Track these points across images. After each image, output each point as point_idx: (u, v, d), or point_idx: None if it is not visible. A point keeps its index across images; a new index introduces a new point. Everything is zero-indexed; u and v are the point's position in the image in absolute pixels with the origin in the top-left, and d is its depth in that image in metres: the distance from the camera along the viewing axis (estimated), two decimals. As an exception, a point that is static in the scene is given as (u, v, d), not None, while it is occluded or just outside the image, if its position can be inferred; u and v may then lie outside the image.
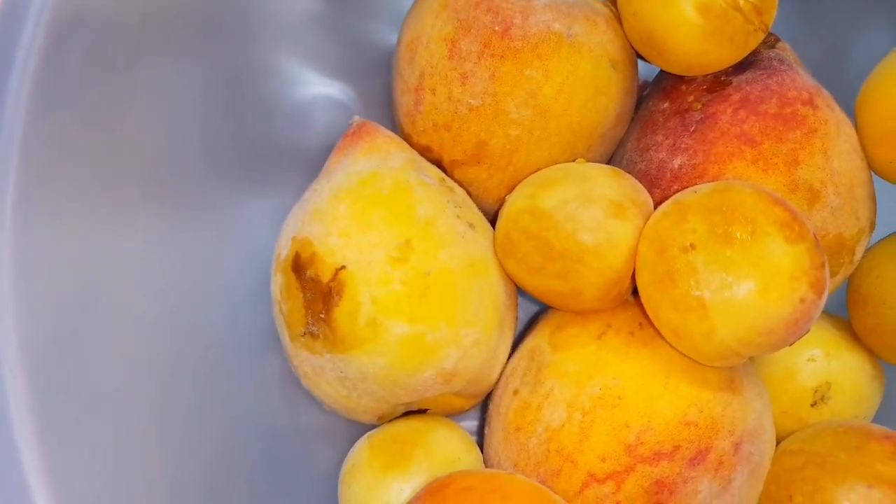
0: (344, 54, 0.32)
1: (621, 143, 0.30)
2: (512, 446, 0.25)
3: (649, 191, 0.26)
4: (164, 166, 0.25)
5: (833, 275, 0.26)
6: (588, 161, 0.27)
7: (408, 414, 0.28)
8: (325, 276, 0.24)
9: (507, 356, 0.28)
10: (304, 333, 0.25)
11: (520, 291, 0.28)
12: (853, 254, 0.27)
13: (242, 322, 0.27)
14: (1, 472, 0.18)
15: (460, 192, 0.28)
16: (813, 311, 0.21)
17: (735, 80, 0.26)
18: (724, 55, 0.25)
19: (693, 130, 0.26)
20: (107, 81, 0.22)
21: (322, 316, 0.24)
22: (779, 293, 0.21)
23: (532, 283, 0.25)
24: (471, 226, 0.26)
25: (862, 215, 0.26)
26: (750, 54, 0.26)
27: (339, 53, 0.32)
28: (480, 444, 0.29)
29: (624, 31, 0.27)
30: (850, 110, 0.27)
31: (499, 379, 0.28)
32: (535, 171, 0.27)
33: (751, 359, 0.26)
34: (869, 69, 0.26)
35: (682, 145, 0.26)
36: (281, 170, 0.30)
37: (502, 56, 0.26)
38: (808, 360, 0.28)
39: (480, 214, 0.28)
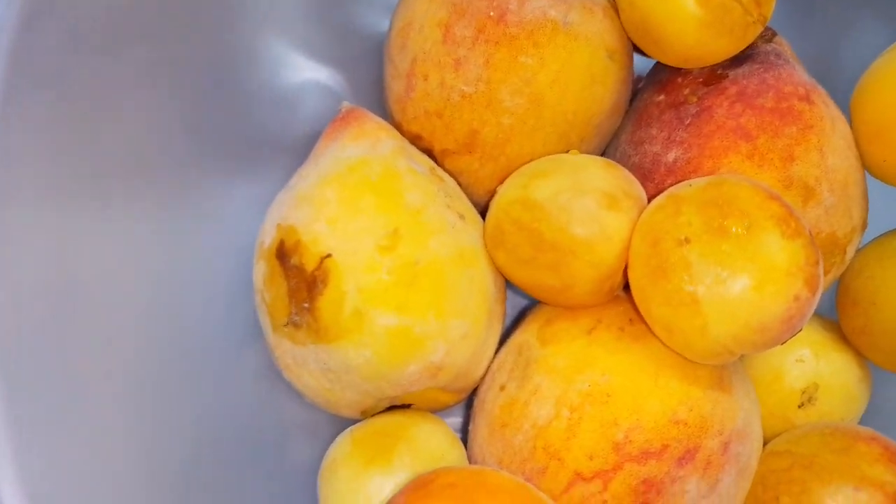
0: (334, 39, 0.32)
1: (615, 136, 0.29)
2: (497, 443, 0.25)
3: (643, 184, 0.25)
4: (145, 152, 0.24)
5: (825, 274, 0.26)
6: (582, 153, 0.27)
7: (392, 409, 0.28)
8: (310, 265, 0.24)
9: (494, 351, 0.27)
10: (287, 323, 0.24)
11: (508, 286, 0.28)
12: (844, 253, 0.26)
13: (224, 312, 0.27)
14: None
15: (451, 182, 0.27)
16: (807, 310, 0.21)
17: (732, 73, 0.26)
18: (722, 47, 0.25)
19: (688, 124, 0.26)
20: (86, 65, 0.21)
21: (306, 305, 0.24)
22: (774, 289, 0.20)
23: (522, 275, 0.25)
24: (461, 216, 0.26)
25: (855, 214, 0.26)
26: (747, 48, 0.26)
27: (328, 38, 0.31)
28: (465, 442, 0.28)
29: (621, 21, 0.27)
30: (846, 109, 0.27)
31: (485, 374, 0.27)
32: (528, 162, 0.26)
33: (740, 358, 0.26)
34: (864, 67, 0.26)
35: (677, 139, 0.26)
36: (267, 157, 0.29)
37: (497, 42, 0.25)
38: (797, 360, 0.28)
39: (471, 205, 0.28)
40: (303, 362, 0.25)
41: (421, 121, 0.27)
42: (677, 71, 0.27)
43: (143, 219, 0.24)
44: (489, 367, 0.27)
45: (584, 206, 0.23)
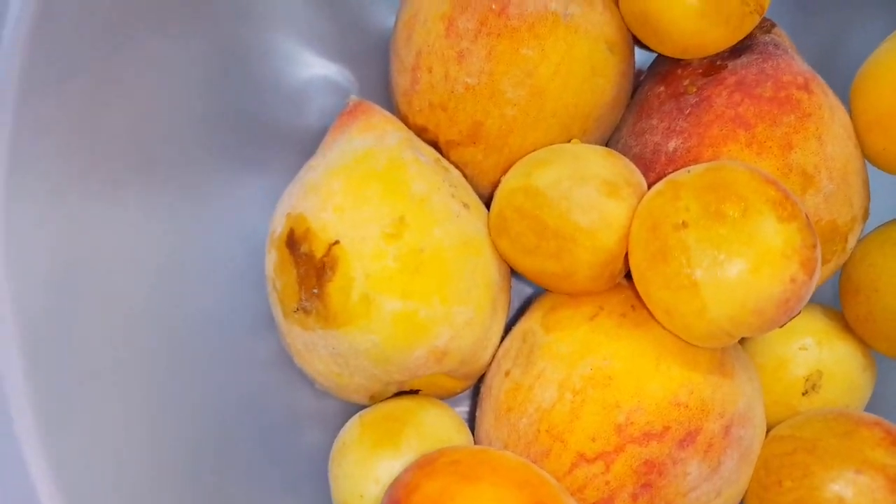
0: (341, 35, 0.32)
1: (617, 128, 0.30)
2: (503, 427, 0.25)
3: (644, 174, 0.26)
4: (156, 144, 0.24)
5: (825, 262, 0.27)
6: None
7: (400, 394, 0.28)
8: (319, 252, 0.24)
9: (499, 338, 0.28)
10: (297, 309, 0.25)
11: (513, 275, 0.28)
12: (846, 241, 0.27)
13: (236, 301, 0.27)
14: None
15: (455, 172, 0.28)
16: (803, 292, 0.21)
17: (730, 63, 0.26)
18: (720, 36, 0.25)
19: (688, 113, 0.26)
20: (97, 58, 0.22)
21: (315, 291, 0.24)
22: (770, 271, 0.21)
23: (525, 263, 0.25)
24: (465, 206, 0.26)
25: (856, 203, 0.26)
26: (745, 39, 0.26)
27: (336, 35, 0.32)
28: (472, 431, 0.29)
29: (620, 13, 0.27)
30: (846, 99, 0.27)
31: (491, 361, 0.28)
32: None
33: (741, 342, 0.26)
34: (863, 57, 0.26)
35: (677, 128, 0.26)
36: (275, 150, 0.30)
37: (499, 35, 0.26)
38: (800, 348, 0.28)
39: (475, 196, 0.28)
40: (313, 348, 0.25)
41: (426, 113, 0.28)
42: (677, 62, 0.28)
43: (155, 211, 0.24)
44: (495, 354, 0.28)
45: (584, 193, 0.23)
